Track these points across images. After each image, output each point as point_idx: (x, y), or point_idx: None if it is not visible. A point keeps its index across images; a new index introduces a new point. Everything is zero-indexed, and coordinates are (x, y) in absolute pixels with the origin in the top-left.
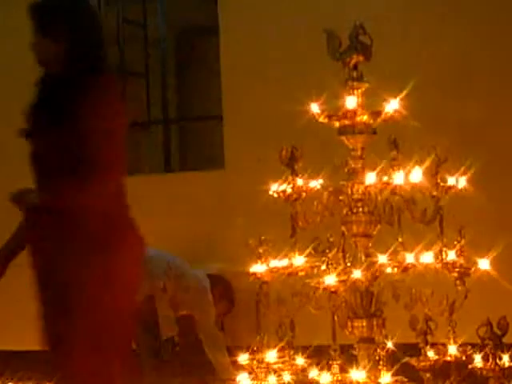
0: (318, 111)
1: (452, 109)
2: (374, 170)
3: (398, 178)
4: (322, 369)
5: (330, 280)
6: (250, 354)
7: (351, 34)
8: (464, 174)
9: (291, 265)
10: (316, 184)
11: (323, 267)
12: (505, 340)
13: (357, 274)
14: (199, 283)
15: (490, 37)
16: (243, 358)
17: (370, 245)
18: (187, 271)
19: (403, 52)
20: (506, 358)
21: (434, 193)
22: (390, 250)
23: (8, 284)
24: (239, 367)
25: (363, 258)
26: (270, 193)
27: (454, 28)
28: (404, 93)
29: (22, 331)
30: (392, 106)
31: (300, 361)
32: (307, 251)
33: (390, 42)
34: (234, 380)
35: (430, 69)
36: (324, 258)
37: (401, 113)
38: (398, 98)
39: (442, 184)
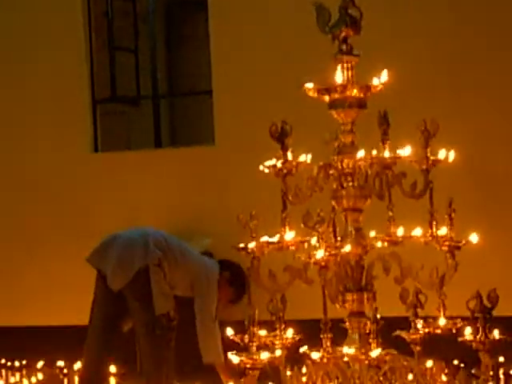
0: (308, 85)
1: (444, 80)
2: (364, 143)
3: (388, 152)
4: (313, 343)
5: (321, 254)
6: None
7: (340, 7)
8: (454, 146)
9: (282, 239)
10: (306, 159)
11: (314, 241)
12: (495, 313)
13: (347, 248)
14: (201, 267)
15: (485, 6)
16: (230, 333)
17: (361, 219)
18: (188, 255)
19: (393, 23)
20: (495, 331)
21: (424, 166)
22: (380, 224)
23: None
24: (230, 342)
25: (353, 232)
26: (261, 168)
27: None
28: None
29: None
30: (382, 78)
31: (291, 335)
32: (298, 226)
33: (380, 14)
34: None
35: (421, 40)
36: (314, 233)
37: (391, 85)
38: (387, 71)
39: (431, 157)
